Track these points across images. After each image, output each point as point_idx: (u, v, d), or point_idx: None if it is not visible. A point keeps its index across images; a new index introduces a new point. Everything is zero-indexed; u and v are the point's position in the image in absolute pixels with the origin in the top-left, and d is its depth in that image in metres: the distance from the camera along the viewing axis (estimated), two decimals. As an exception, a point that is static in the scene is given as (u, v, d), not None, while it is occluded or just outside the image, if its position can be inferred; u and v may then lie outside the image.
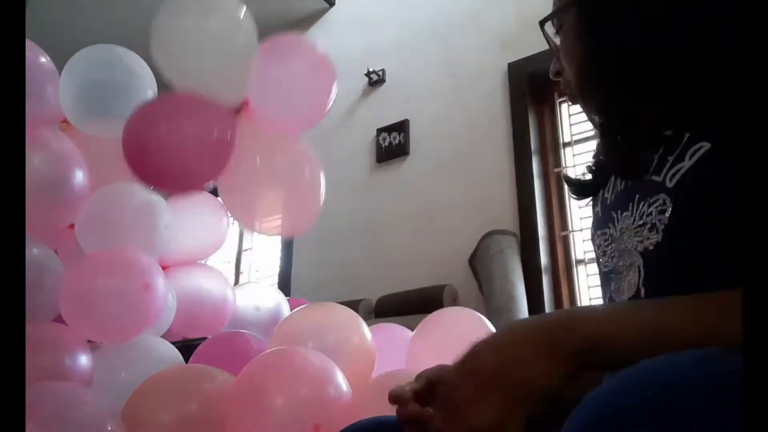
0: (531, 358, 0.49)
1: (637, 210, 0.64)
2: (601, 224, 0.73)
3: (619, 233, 0.67)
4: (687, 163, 0.58)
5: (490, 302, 2.26)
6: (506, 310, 2.16)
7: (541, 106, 2.75)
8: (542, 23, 0.75)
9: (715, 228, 0.55)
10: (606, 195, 0.73)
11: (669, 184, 0.59)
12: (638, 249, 0.62)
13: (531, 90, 2.69)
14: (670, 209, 0.58)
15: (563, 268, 2.49)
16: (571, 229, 2.54)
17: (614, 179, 0.72)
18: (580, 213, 2.52)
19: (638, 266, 0.62)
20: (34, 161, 1.46)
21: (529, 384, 0.49)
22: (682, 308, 0.48)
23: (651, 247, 0.61)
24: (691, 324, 0.46)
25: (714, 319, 0.46)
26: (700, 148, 0.58)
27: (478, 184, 2.71)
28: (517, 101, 2.72)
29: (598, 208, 0.75)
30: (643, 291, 0.62)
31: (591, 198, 0.80)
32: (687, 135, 0.60)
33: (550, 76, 0.77)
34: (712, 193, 0.55)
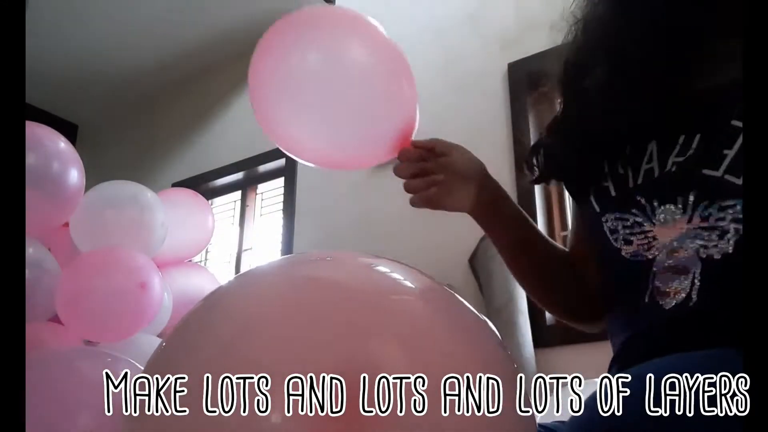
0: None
1: (696, 210, 0.57)
2: (617, 206, 0.66)
3: (661, 223, 0.60)
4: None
5: (490, 302, 2.25)
6: (506, 310, 2.16)
7: (541, 106, 2.73)
8: None
9: None
10: (622, 171, 0.67)
11: None
12: (701, 255, 0.55)
13: (531, 90, 2.68)
14: None
15: (563, 268, 2.47)
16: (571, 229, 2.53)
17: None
18: (581, 213, 2.50)
19: (694, 273, 0.56)
20: (28, 159, 1.45)
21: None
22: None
23: (717, 257, 0.55)
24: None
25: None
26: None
27: (478, 184, 2.70)
28: (517, 101, 2.71)
29: (610, 186, 0.69)
30: (695, 300, 0.55)
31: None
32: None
33: None
34: None
